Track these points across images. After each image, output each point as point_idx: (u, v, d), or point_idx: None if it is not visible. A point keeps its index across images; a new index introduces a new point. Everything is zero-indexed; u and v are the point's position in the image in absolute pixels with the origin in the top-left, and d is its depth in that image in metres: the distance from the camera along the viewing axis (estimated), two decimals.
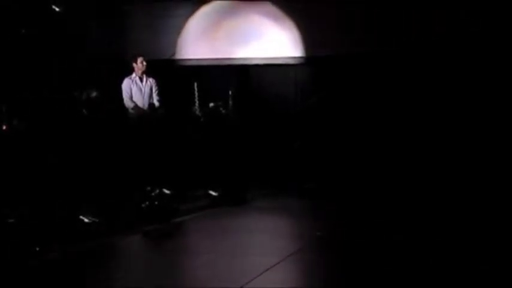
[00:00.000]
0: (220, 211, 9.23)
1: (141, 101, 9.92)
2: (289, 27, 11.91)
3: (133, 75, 9.99)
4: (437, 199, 9.43)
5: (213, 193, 9.83)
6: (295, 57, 12.02)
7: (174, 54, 11.26)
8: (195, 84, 10.38)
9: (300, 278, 6.15)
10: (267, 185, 10.64)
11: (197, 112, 10.36)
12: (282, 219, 8.76)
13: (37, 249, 6.60)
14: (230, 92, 10.85)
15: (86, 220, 7.71)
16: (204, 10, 12.15)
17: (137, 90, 9.96)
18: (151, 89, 10.00)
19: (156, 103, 9.99)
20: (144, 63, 9.96)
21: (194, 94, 10.41)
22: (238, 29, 12.06)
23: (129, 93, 9.92)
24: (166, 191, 9.01)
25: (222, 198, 9.75)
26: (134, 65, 9.98)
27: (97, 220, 7.74)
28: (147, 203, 8.67)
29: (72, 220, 7.57)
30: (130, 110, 9.88)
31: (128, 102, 9.88)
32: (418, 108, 11.08)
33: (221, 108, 10.68)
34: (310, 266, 6.45)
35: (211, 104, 10.62)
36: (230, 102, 10.82)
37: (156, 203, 8.74)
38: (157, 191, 8.91)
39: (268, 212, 9.21)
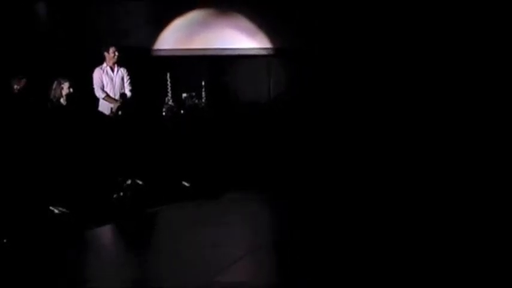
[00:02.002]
0: (193, 202, 9.17)
1: (112, 91, 9.84)
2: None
3: (104, 65, 9.90)
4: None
5: (186, 184, 9.78)
6: (268, 48, 12.02)
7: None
8: (168, 75, 10.33)
9: (268, 269, 6.09)
10: (240, 177, 10.59)
11: (170, 102, 10.31)
12: (255, 211, 8.72)
13: (4, 241, 6.51)
14: (203, 83, 10.82)
15: (56, 211, 7.63)
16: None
17: (108, 80, 9.88)
18: (122, 79, 9.92)
19: (128, 93, 9.92)
20: (117, 53, 9.87)
21: (167, 84, 10.36)
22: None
23: (101, 83, 9.83)
24: (139, 182, 8.96)
25: (195, 189, 9.70)
26: (106, 54, 9.89)
27: (67, 211, 7.66)
28: (119, 193, 8.61)
29: (42, 211, 7.48)
30: (102, 100, 9.80)
31: (98, 92, 9.80)
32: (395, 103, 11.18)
33: (194, 99, 10.65)
34: (280, 258, 6.43)
35: (184, 95, 10.58)
36: (203, 92, 10.80)
37: (128, 193, 8.69)
38: (129, 181, 8.85)
39: (241, 204, 9.16)
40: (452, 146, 10.56)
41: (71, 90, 9.11)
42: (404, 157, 10.61)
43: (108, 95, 9.78)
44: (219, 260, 6.07)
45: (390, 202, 8.75)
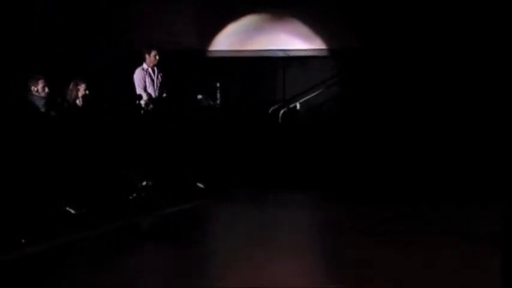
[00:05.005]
0: (207, 203, 9.21)
1: (153, 92, 9.88)
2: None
3: (145, 66, 9.93)
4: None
5: (201, 185, 9.81)
6: (284, 50, 12.02)
7: None
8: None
9: (284, 267, 6.10)
10: (254, 178, 10.62)
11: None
12: (269, 212, 8.75)
13: (22, 241, 6.56)
14: (218, 84, 10.84)
15: (73, 211, 7.68)
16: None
17: (150, 81, 9.92)
18: (161, 82, 9.97)
19: (164, 95, 9.98)
20: (157, 57, 9.90)
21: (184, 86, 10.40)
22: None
23: (144, 84, 9.85)
24: (154, 183, 9.00)
25: (210, 190, 9.73)
26: (147, 56, 9.90)
27: (84, 212, 7.71)
28: (134, 194, 8.65)
29: (59, 212, 7.53)
30: (143, 101, 9.80)
31: (142, 93, 9.84)
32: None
33: (210, 101, 10.67)
34: (294, 256, 6.45)
35: (200, 96, 10.60)
36: (218, 94, 10.82)
37: (143, 194, 8.73)
38: (145, 182, 8.90)
39: (255, 205, 9.20)
40: None
41: (87, 91, 9.15)
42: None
43: (151, 97, 9.81)
44: (234, 259, 6.10)
45: None
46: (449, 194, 9.68)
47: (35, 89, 8.76)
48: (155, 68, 9.94)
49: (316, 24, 11.92)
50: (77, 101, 9.14)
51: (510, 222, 3.37)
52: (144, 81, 9.84)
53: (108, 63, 11.20)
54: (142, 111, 9.50)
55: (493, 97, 10.72)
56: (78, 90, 9.12)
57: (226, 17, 12.07)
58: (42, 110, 8.50)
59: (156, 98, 9.81)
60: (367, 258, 5.99)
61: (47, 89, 8.80)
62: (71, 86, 9.14)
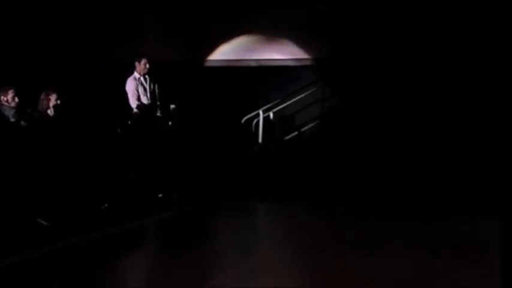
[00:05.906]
0: (183, 213, 9.12)
1: (146, 100, 9.88)
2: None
3: (137, 75, 9.88)
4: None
5: (176, 195, 9.71)
6: (256, 60, 12.02)
7: None
8: (156, 86, 10.27)
9: (283, 268, 6.01)
10: (230, 188, 10.55)
11: (158, 114, 10.25)
12: (247, 221, 8.69)
13: None
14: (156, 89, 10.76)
15: (44, 223, 7.51)
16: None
17: (143, 90, 9.89)
18: (154, 89, 9.90)
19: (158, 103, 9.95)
20: (148, 65, 9.85)
21: (155, 96, 10.30)
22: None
23: (137, 94, 9.82)
24: (130, 192, 8.87)
25: (185, 201, 9.63)
26: (137, 64, 9.88)
27: (57, 223, 7.54)
28: (106, 205, 8.50)
29: (30, 223, 7.36)
30: (135, 110, 9.74)
31: (134, 104, 9.77)
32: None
33: (181, 111, 10.60)
34: (293, 258, 6.40)
35: (172, 106, 10.52)
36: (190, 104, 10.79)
37: (117, 204, 8.58)
38: (118, 192, 8.76)
39: (230, 214, 9.12)
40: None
41: (58, 101, 9.09)
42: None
43: (144, 105, 9.76)
44: (210, 269, 6.01)
45: None
46: (447, 198, 9.62)
47: (5, 99, 8.68)
48: (147, 77, 9.90)
49: (289, 34, 11.93)
50: (48, 111, 9.04)
51: (510, 223, 3.33)
52: (137, 91, 9.83)
53: (108, 63, 11.09)
54: (130, 122, 9.43)
55: (480, 104, 10.78)
56: (49, 100, 9.06)
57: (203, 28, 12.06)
58: (12, 120, 8.39)
59: (150, 105, 9.75)
60: (365, 263, 5.99)
61: (16, 99, 8.69)
62: (42, 96, 9.06)
